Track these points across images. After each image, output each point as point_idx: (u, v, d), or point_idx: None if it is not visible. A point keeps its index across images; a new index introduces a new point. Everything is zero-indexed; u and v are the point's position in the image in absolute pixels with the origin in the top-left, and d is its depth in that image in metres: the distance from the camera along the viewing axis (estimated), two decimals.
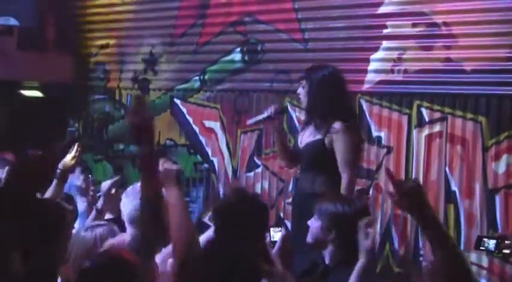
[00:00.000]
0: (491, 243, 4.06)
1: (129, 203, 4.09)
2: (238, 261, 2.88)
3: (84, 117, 9.01)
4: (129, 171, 8.31)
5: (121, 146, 8.37)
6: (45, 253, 2.93)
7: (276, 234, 3.91)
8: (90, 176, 5.68)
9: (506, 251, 4.03)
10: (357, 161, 5.01)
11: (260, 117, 5.39)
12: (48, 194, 4.50)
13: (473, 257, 5.86)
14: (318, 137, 4.98)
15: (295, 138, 6.97)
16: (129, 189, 4.32)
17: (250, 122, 5.68)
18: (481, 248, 4.14)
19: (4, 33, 8.42)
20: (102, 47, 8.84)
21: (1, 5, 8.21)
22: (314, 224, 3.79)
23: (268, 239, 3.85)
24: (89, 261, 2.90)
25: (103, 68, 8.85)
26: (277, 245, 3.77)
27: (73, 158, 4.70)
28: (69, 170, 4.74)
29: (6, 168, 5.09)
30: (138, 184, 4.16)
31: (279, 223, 6.61)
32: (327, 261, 3.76)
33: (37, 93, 9.10)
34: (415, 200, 2.72)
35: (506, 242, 4.04)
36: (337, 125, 4.88)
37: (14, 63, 8.45)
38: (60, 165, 4.66)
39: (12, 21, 8.22)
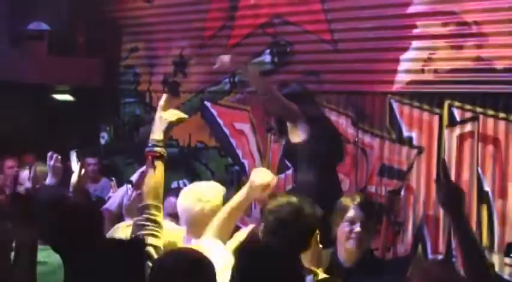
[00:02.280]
0: None
1: (183, 203, 4.16)
2: (286, 266, 2.89)
3: (115, 121, 9.07)
4: None
5: None
6: None
7: None
8: (113, 179, 5.70)
9: None
10: None
11: None
12: None
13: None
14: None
15: None
16: (186, 189, 4.38)
17: None
18: (511, 255, 4.11)
19: (35, 38, 8.50)
20: (132, 50, 8.89)
21: (32, 10, 8.29)
22: None
23: None
24: (161, 261, 2.88)
25: (133, 71, 8.90)
26: None
27: (79, 177, 4.71)
28: (81, 189, 4.75)
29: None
30: (194, 185, 4.26)
31: None
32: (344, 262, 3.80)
33: (68, 97, 9.17)
34: (458, 197, 3.02)
35: None
36: None
37: (45, 68, 8.53)
38: (70, 189, 4.68)
39: (44, 26, 8.30)
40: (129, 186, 4.85)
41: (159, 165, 3.50)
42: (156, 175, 3.50)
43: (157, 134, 3.55)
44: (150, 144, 3.54)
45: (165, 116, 3.59)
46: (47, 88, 8.97)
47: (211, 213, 3.96)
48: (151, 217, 3.44)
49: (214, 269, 2.84)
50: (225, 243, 3.67)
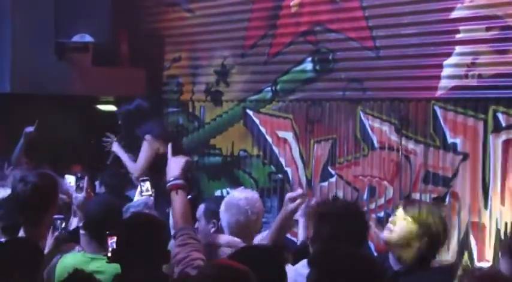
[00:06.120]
0: None
1: (228, 215, 4.42)
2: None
3: None
4: (204, 183, 8.38)
5: (196, 158, 8.45)
6: None
7: None
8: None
9: None
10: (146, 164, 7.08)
11: None
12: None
13: None
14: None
15: (367, 146, 6.96)
16: (227, 200, 4.59)
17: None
18: None
19: (80, 50, 8.61)
20: (175, 60, 8.95)
21: (76, 22, 8.40)
22: None
23: None
24: (200, 271, 3.01)
25: (176, 81, 8.96)
26: None
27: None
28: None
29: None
30: (235, 195, 4.57)
31: None
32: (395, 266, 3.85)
33: (112, 108, 9.26)
34: None
35: None
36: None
37: (89, 79, 8.63)
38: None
39: (87, 38, 8.40)
40: None
41: (183, 194, 3.99)
42: (182, 203, 3.96)
43: (175, 171, 4.07)
44: (171, 179, 4.05)
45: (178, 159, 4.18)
46: (91, 99, 9.08)
47: (256, 220, 4.58)
48: (191, 235, 3.70)
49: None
50: None
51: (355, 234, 3.80)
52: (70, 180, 5.69)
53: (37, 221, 4.50)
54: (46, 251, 4.41)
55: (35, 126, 7.67)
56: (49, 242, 4.47)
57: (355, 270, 2.88)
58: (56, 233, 4.49)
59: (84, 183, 5.15)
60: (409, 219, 3.88)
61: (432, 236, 3.88)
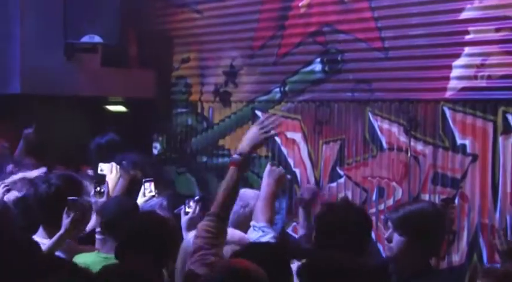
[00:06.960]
0: None
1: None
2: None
3: (167, 131, 9.14)
4: (213, 183, 8.38)
5: (204, 159, 8.46)
6: None
7: None
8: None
9: None
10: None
11: None
12: None
13: None
14: None
15: (376, 147, 6.95)
16: None
17: None
18: None
19: (89, 51, 8.62)
20: (183, 61, 8.96)
21: (85, 23, 8.41)
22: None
23: None
24: (213, 272, 2.98)
25: (185, 81, 8.97)
26: None
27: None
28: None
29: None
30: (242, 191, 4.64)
31: None
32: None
33: (121, 108, 9.28)
34: None
35: None
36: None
37: (98, 80, 8.64)
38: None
39: (97, 39, 8.40)
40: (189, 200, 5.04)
41: (237, 174, 3.83)
42: (232, 181, 3.84)
43: (246, 147, 3.85)
44: (237, 153, 3.87)
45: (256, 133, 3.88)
46: (100, 100, 9.10)
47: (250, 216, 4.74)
48: (213, 224, 3.62)
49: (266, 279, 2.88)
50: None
51: (352, 240, 3.74)
52: (103, 168, 5.70)
53: (57, 223, 4.51)
54: (62, 230, 4.43)
55: (33, 127, 7.68)
56: (65, 221, 4.46)
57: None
58: (72, 214, 4.44)
59: (105, 187, 5.17)
60: (400, 231, 3.81)
61: (429, 240, 3.83)
